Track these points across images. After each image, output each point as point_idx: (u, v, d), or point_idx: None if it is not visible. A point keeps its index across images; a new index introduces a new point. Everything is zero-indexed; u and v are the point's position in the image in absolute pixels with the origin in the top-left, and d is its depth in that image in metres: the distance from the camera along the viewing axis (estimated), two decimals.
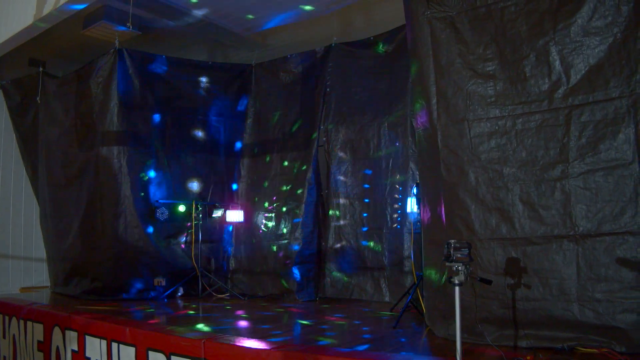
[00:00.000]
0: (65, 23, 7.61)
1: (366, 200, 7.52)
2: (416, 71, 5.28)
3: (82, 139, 8.38)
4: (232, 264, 8.78)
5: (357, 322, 5.98)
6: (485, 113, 4.72)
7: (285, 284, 7.86)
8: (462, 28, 4.87)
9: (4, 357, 7.08)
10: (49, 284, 9.48)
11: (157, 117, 8.37)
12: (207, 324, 5.72)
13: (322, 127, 7.96)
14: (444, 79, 4.93)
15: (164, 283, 7.95)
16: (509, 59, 4.64)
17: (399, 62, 7.22)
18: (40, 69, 9.24)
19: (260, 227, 8.40)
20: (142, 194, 8.04)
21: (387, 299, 7.11)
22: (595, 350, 4.12)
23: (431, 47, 5.02)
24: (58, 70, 9.37)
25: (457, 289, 3.75)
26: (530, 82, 4.54)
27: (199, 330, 5.25)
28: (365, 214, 7.53)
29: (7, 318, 7.09)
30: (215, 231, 8.74)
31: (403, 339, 4.90)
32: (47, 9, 7.33)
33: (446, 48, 4.94)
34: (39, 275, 9.77)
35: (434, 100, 4.97)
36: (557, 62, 4.43)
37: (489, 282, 4.22)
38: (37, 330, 6.41)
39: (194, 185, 8.61)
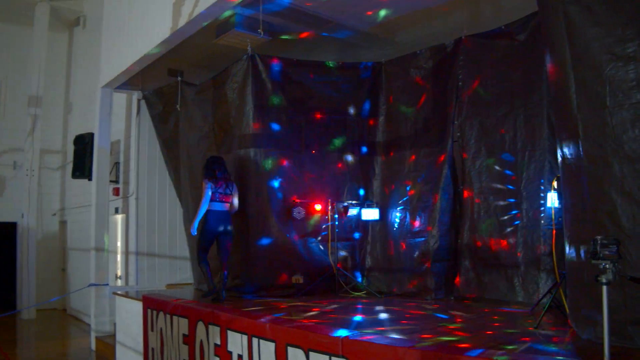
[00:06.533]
0: (198, 33, 7.98)
1: (501, 195, 7.22)
2: (552, 59, 4.97)
3: (220, 143, 8.71)
4: (369, 261, 8.73)
5: (494, 321, 5.71)
6: (627, 98, 4.36)
7: (421, 282, 7.71)
8: (598, 9, 4.52)
9: (152, 348, 7.48)
10: (192, 281, 9.96)
11: (291, 119, 8.49)
12: (344, 322, 5.70)
13: (455, 122, 7.68)
14: (581, 65, 4.59)
15: (301, 280, 8.07)
16: None
17: (533, 50, 6.80)
18: (179, 78, 9.68)
19: (396, 224, 8.30)
20: (279, 193, 8.20)
21: (521, 298, 6.74)
22: None
23: (566, 32, 4.69)
24: (195, 79, 9.74)
25: (604, 288, 3.44)
26: None
27: (336, 327, 5.24)
28: (500, 210, 7.21)
29: (155, 312, 7.48)
30: (352, 229, 8.81)
31: (545, 341, 4.66)
32: (182, 21, 7.74)
33: (582, 32, 4.58)
34: (184, 273, 10.30)
35: (573, 89, 4.62)
36: None
37: None
38: (183, 325, 6.70)
39: (329, 184, 8.66)
